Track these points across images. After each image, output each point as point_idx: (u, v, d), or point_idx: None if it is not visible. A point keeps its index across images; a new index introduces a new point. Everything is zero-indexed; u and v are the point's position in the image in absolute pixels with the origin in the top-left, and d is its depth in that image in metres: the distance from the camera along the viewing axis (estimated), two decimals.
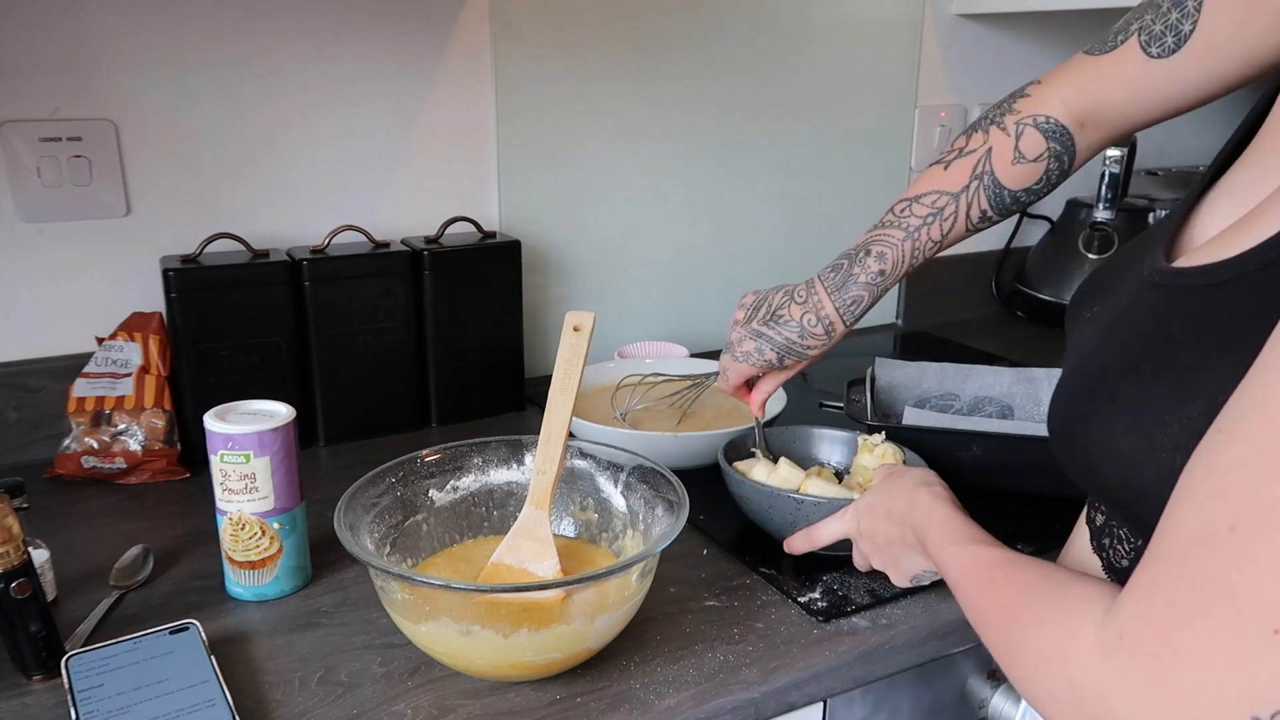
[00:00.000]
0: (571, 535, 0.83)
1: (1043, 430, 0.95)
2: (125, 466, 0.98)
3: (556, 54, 1.23)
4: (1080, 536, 0.64)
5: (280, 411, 0.78)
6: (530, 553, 0.76)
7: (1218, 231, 0.52)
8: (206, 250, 1.04)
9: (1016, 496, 0.94)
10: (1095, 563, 0.61)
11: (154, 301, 1.06)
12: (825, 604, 0.77)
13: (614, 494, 0.81)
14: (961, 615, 0.59)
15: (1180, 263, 0.52)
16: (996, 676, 0.83)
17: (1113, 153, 1.47)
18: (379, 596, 0.70)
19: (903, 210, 0.82)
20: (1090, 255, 1.51)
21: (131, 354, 1.01)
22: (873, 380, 1.13)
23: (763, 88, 1.38)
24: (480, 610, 0.66)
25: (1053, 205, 1.68)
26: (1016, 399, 1.09)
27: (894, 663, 0.75)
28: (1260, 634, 0.37)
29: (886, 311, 1.60)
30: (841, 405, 1.10)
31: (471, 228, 1.18)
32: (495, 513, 0.83)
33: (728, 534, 0.88)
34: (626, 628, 0.71)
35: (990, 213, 0.80)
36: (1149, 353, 0.51)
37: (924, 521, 0.68)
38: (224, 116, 1.08)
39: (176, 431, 1.01)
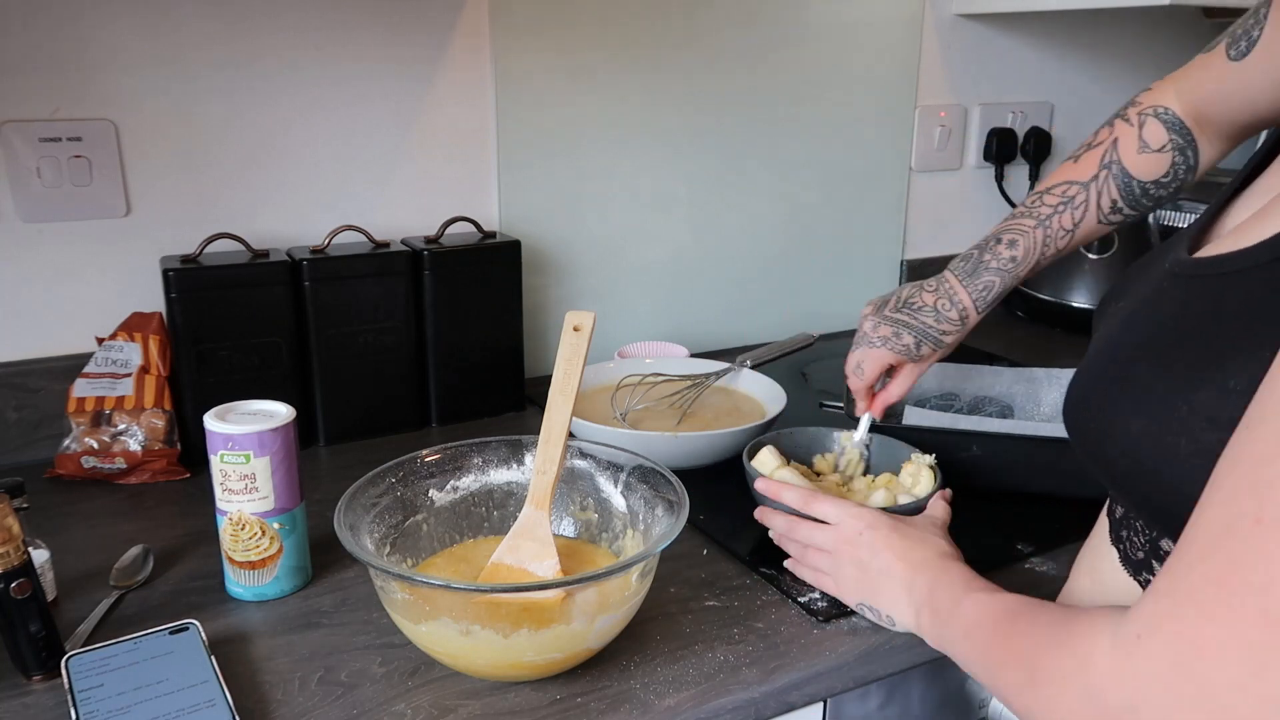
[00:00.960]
0: (571, 535, 0.83)
1: (1043, 430, 0.96)
2: (125, 466, 0.98)
3: (557, 54, 1.23)
4: (1100, 529, 0.64)
5: (280, 411, 0.78)
6: (530, 553, 0.76)
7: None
8: (206, 250, 1.04)
9: (1017, 496, 0.94)
10: (1113, 555, 0.61)
11: (154, 301, 1.06)
12: (825, 604, 0.77)
13: (614, 494, 0.81)
14: None
15: (1200, 254, 0.53)
16: None
17: None
18: (379, 596, 0.70)
19: (1034, 201, 0.83)
20: (1090, 255, 1.51)
21: (131, 354, 1.01)
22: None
23: (763, 87, 1.38)
24: (480, 610, 0.66)
25: None
26: (1016, 399, 1.09)
27: (894, 663, 0.75)
28: None
29: None
30: (841, 405, 1.10)
31: (471, 228, 1.18)
32: (495, 513, 0.83)
33: (728, 534, 0.88)
34: (626, 628, 0.71)
35: (1121, 203, 0.81)
36: (1163, 339, 0.52)
37: (943, 576, 0.68)
38: (224, 116, 1.08)
39: (176, 431, 1.01)
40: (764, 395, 1.12)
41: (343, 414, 1.10)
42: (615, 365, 1.18)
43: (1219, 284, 0.49)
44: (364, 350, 1.09)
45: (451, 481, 0.82)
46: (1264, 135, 0.64)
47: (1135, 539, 0.58)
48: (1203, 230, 0.59)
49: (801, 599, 0.78)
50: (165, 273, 0.99)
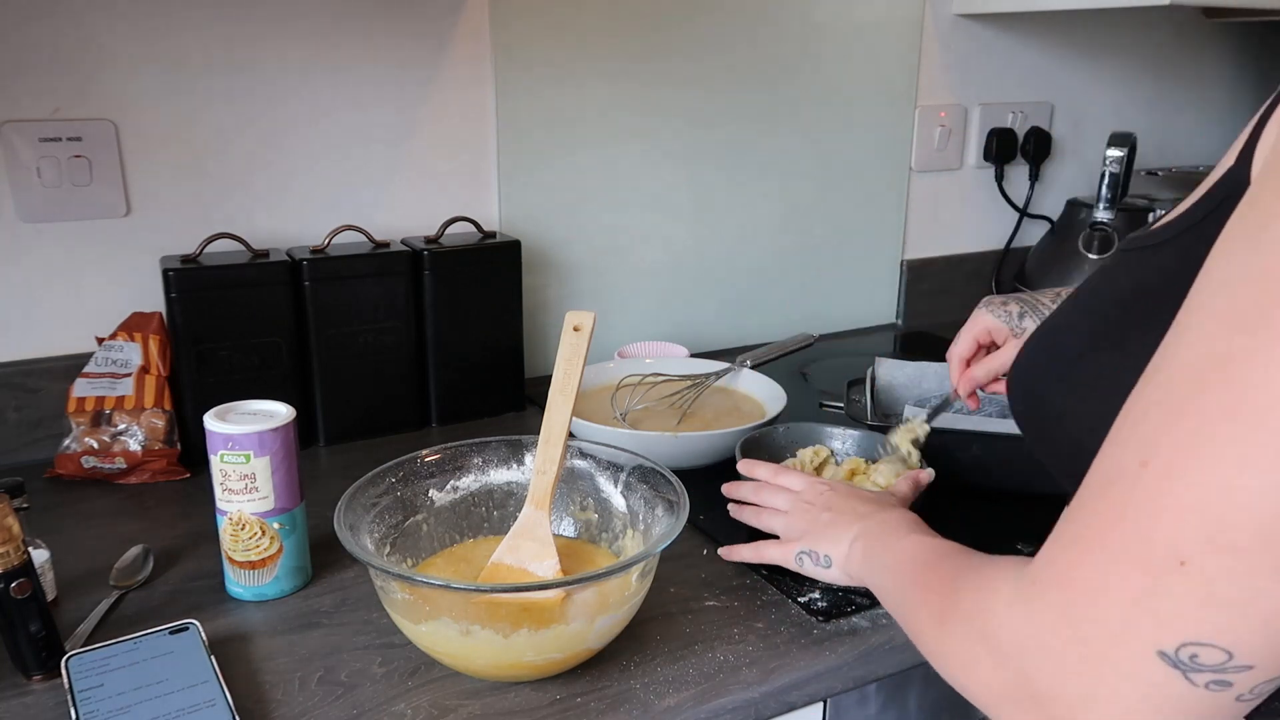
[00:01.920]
0: (571, 535, 0.83)
1: None
2: (125, 466, 0.98)
3: (557, 54, 1.23)
4: None
5: (280, 411, 0.78)
6: (530, 553, 0.76)
7: None
8: (206, 250, 1.04)
9: (1017, 496, 0.93)
10: None
11: (154, 301, 1.06)
12: (825, 604, 0.77)
13: (614, 494, 0.81)
14: None
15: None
16: None
17: (1113, 153, 1.47)
18: (379, 596, 0.70)
19: None
20: (1090, 255, 1.51)
21: (131, 354, 1.01)
22: (873, 380, 1.13)
23: (763, 88, 1.38)
24: (480, 610, 0.66)
25: (1053, 205, 1.68)
26: None
27: (894, 663, 0.75)
28: (1166, 566, 0.36)
29: (886, 311, 1.60)
30: (842, 405, 1.10)
31: (471, 228, 1.18)
32: (495, 513, 0.83)
33: (728, 534, 0.88)
34: (626, 628, 0.71)
35: None
36: (1092, 312, 0.53)
37: (888, 519, 0.69)
38: (224, 116, 1.08)
39: (176, 431, 1.01)
40: (764, 395, 1.12)
41: (343, 414, 1.10)
42: (615, 365, 1.18)
43: (1148, 255, 0.50)
44: (364, 350, 1.09)
45: (451, 481, 0.82)
46: (1237, 128, 0.64)
47: None
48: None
49: (801, 599, 0.78)
50: (165, 273, 0.99)
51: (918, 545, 0.62)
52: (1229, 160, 0.47)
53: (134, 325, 1.02)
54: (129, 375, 1.00)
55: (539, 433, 0.77)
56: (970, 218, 1.63)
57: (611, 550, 0.81)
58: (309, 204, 1.14)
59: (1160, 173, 1.75)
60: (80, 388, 0.99)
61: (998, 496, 0.93)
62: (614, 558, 0.80)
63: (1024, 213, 1.65)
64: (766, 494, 0.81)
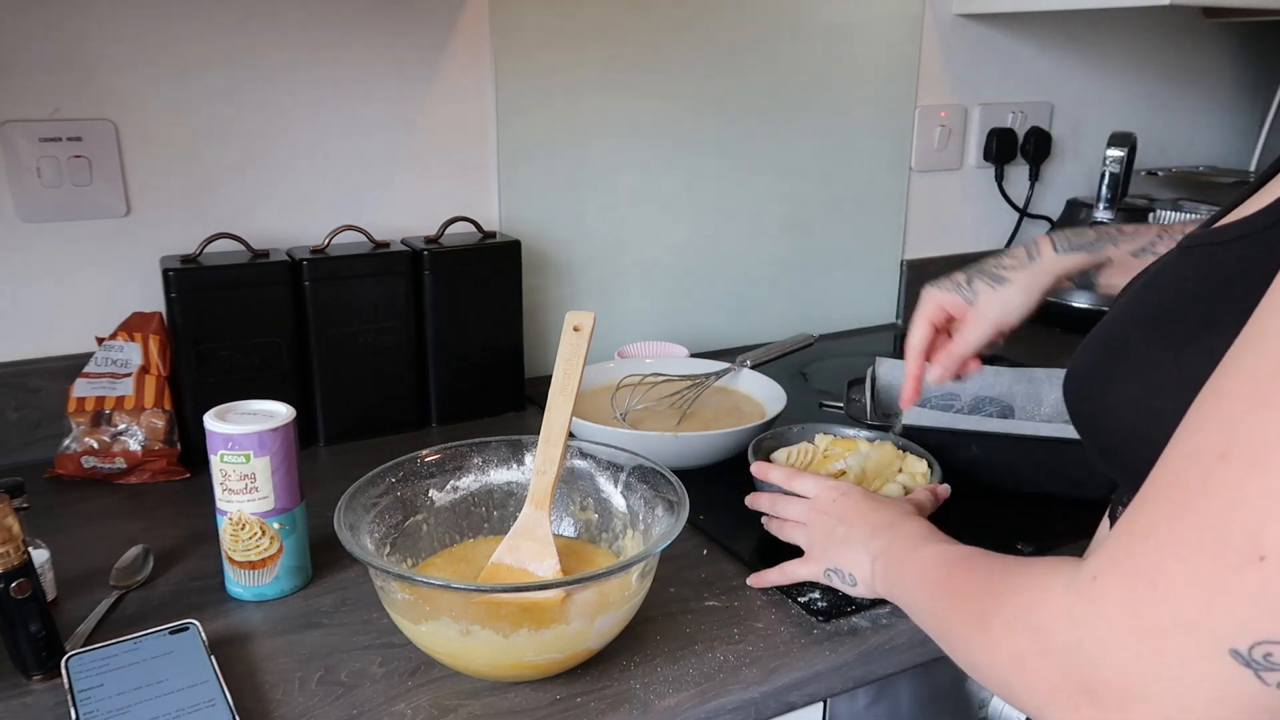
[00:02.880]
0: (571, 535, 0.83)
1: (1043, 430, 0.96)
2: (125, 466, 0.98)
3: (557, 54, 1.23)
4: (1102, 533, 0.64)
5: (280, 411, 0.78)
6: (530, 553, 0.76)
7: None
8: (206, 250, 1.04)
9: (1017, 496, 0.94)
10: None
11: (154, 301, 1.06)
12: (825, 604, 0.77)
13: (614, 494, 0.81)
14: None
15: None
16: None
17: (1113, 153, 1.47)
18: (379, 596, 0.70)
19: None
20: None
21: (131, 354, 1.01)
22: (873, 380, 1.13)
23: (763, 88, 1.38)
24: (480, 610, 0.66)
25: (1053, 205, 1.68)
26: (1016, 399, 1.09)
27: (894, 662, 0.75)
28: (1244, 562, 0.35)
29: (886, 311, 1.60)
30: (841, 405, 1.10)
31: (471, 228, 1.18)
32: (495, 513, 0.83)
33: (728, 534, 0.88)
34: (626, 628, 0.71)
35: None
36: (1161, 307, 0.52)
37: (904, 529, 0.69)
38: (224, 116, 1.08)
39: (176, 431, 1.01)
40: (764, 395, 1.12)
41: (343, 414, 1.10)
42: (615, 365, 1.18)
43: (1216, 252, 0.50)
44: (364, 350, 1.09)
45: (451, 481, 0.82)
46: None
47: None
48: (1225, 214, 0.60)
49: (801, 599, 0.78)
50: (165, 273, 0.99)
51: (938, 554, 0.61)
52: None
53: (134, 325, 1.02)
54: (129, 375, 1.00)
55: (539, 433, 0.77)
56: (970, 218, 1.63)
57: (611, 550, 0.81)
58: (309, 204, 1.14)
59: (1160, 173, 1.75)
60: (80, 388, 0.99)
61: (998, 496, 0.93)
62: (614, 558, 0.80)
63: (1024, 213, 1.65)
64: (782, 506, 0.80)
